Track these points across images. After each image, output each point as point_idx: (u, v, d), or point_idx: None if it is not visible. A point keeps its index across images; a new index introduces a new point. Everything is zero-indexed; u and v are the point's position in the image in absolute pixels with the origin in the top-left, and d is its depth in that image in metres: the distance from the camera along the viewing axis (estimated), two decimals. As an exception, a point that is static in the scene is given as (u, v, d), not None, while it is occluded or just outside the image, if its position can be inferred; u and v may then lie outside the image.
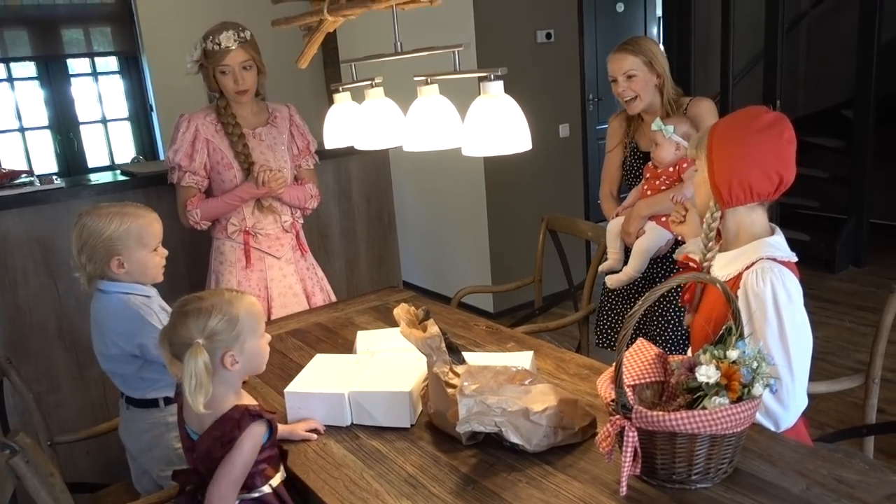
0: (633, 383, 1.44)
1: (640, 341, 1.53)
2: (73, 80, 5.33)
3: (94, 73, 5.45)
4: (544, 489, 1.37)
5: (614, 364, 1.28)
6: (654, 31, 6.70)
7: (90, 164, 5.44)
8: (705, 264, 1.61)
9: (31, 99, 5.20)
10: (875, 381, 1.95)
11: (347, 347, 2.14)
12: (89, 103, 5.42)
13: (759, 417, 1.49)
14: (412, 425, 1.67)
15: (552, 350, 2.04)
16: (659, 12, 6.44)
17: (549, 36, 4.57)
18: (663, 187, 2.32)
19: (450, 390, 1.53)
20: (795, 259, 1.53)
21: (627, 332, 1.24)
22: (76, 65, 5.36)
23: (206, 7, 5.03)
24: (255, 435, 1.41)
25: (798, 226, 5.21)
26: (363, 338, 2.09)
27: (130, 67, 5.44)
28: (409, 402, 1.65)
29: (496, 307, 4.67)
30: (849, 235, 4.95)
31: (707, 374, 1.27)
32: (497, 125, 1.51)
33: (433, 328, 1.59)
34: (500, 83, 1.52)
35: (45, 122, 5.25)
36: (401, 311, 1.65)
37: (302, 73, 3.17)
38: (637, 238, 2.38)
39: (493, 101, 1.52)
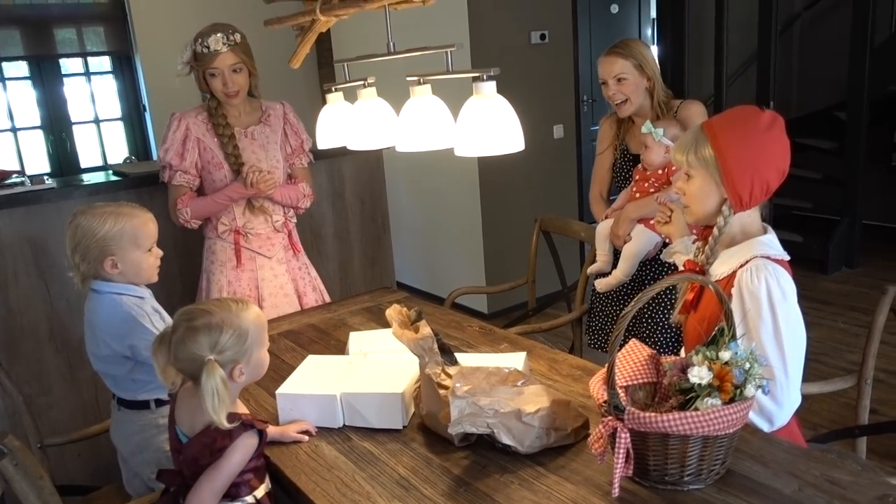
0: (625, 384, 1.43)
1: (633, 342, 1.53)
2: (65, 79, 5.31)
3: (87, 73, 5.42)
4: (536, 491, 1.37)
5: (607, 365, 1.28)
6: (648, 32, 6.72)
7: (83, 165, 5.42)
8: (706, 267, 1.60)
9: (24, 99, 5.18)
10: (867, 381, 1.95)
11: (340, 348, 2.14)
12: (82, 103, 5.40)
13: (753, 416, 1.49)
14: (404, 427, 1.66)
15: (545, 351, 2.04)
16: (653, 13, 6.45)
17: (543, 37, 4.58)
18: (652, 190, 2.32)
19: (442, 391, 1.53)
20: (788, 258, 1.53)
21: (619, 333, 1.23)
22: (69, 64, 5.34)
23: (199, 7, 5.02)
24: (245, 446, 1.40)
25: (791, 227, 5.23)
26: (356, 339, 2.08)
27: (123, 67, 5.42)
28: (401, 404, 1.64)
29: (490, 308, 4.67)
30: (842, 236, 4.97)
31: (699, 375, 1.27)
32: (489, 126, 1.50)
33: (425, 329, 1.59)
34: (493, 83, 1.51)
35: (38, 122, 5.22)
36: (393, 312, 1.65)
37: (296, 74, 3.17)
38: (626, 241, 2.38)
39: (485, 102, 1.51)
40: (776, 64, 4.81)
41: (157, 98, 5.20)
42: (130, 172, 2.99)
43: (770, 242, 1.53)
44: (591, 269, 2.58)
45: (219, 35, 2.33)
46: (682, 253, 1.79)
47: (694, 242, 1.72)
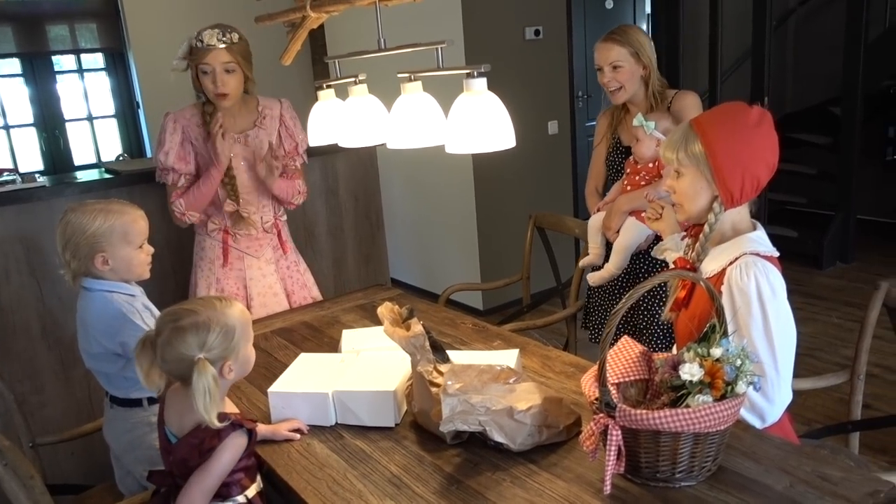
0: (617, 381, 1.43)
1: (625, 339, 1.53)
2: (58, 76, 5.28)
3: (80, 70, 5.40)
4: (528, 488, 1.37)
5: (598, 362, 1.28)
6: (643, 27, 6.71)
7: (76, 162, 5.40)
8: (697, 264, 1.60)
9: (16, 96, 5.16)
10: (860, 377, 1.95)
11: (333, 346, 2.13)
12: (75, 100, 5.37)
13: (745, 413, 1.49)
14: (396, 425, 1.66)
15: (538, 348, 2.04)
16: (648, 9, 6.44)
17: (537, 32, 4.57)
18: (643, 183, 2.32)
19: (434, 389, 1.52)
20: (777, 254, 1.53)
21: (611, 330, 1.23)
22: (62, 61, 5.31)
23: (191, 3, 5.00)
24: (234, 446, 1.39)
25: (786, 222, 5.23)
26: (348, 336, 2.08)
27: (117, 64, 5.39)
28: (393, 402, 1.64)
29: (485, 304, 4.67)
30: (836, 231, 4.98)
31: (690, 372, 1.26)
32: (480, 122, 1.50)
33: (417, 327, 1.59)
34: (484, 80, 1.51)
35: (31, 120, 5.20)
36: (385, 309, 1.64)
37: (289, 71, 3.15)
38: (618, 234, 2.38)
39: (476, 98, 1.50)
40: (771, 59, 4.81)
41: (151, 95, 5.18)
42: (123, 170, 2.98)
43: (759, 239, 1.53)
44: (584, 261, 2.58)
45: (215, 31, 2.31)
46: (672, 250, 1.78)
47: (683, 239, 1.72)
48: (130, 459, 1.94)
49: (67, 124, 5.33)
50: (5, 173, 2.77)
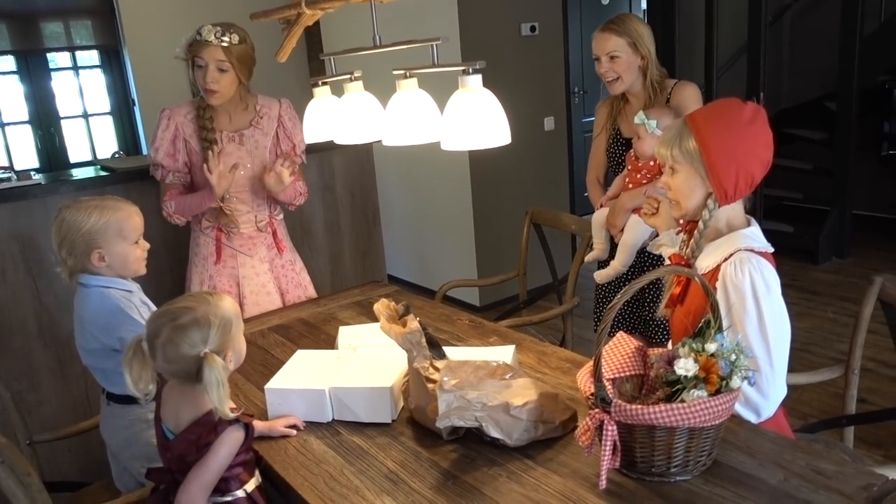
0: (612, 377, 1.44)
1: (620, 335, 1.54)
2: (53, 74, 5.28)
3: (75, 67, 5.39)
4: (524, 483, 1.37)
5: (594, 358, 1.28)
6: (640, 22, 6.70)
7: (72, 160, 5.39)
8: (692, 260, 1.61)
9: (11, 93, 5.15)
10: (854, 371, 1.96)
11: (330, 343, 2.13)
12: (70, 98, 5.37)
13: (740, 408, 1.50)
14: (393, 421, 1.66)
15: (535, 344, 2.04)
16: (644, 4, 6.45)
17: (533, 29, 4.57)
18: (644, 181, 2.32)
19: (430, 385, 1.53)
20: (772, 250, 1.54)
21: (606, 326, 1.24)
22: (57, 58, 5.30)
23: (186, 0, 4.99)
24: (231, 440, 1.40)
25: (782, 217, 5.24)
26: (345, 333, 2.08)
27: (112, 61, 5.39)
28: (389, 398, 1.64)
29: (482, 301, 4.67)
30: (832, 227, 4.99)
31: (685, 367, 1.27)
32: (475, 119, 1.50)
33: (413, 323, 1.59)
34: (479, 77, 1.51)
35: (26, 117, 5.20)
36: (381, 306, 1.65)
37: (285, 68, 3.15)
38: (622, 230, 2.38)
39: (471, 95, 1.51)
40: (766, 55, 4.82)
41: (146, 92, 5.17)
42: (118, 168, 2.98)
43: (753, 235, 1.54)
44: (589, 256, 2.59)
45: (217, 28, 2.29)
46: (668, 246, 1.79)
47: (678, 235, 1.72)
48: (127, 456, 1.94)
49: (63, 122, 5.33)
50: (1, 171, 2.76)
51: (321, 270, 3.38)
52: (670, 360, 1.31)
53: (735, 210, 1.57)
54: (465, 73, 1.50)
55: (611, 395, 1.28)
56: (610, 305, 1.23)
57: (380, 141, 1.79)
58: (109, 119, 5.50)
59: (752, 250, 1.50)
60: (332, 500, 1.39)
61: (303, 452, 1.57)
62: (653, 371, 1.41)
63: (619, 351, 1.48)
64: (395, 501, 1.36)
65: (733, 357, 1.27)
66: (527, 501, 1.31)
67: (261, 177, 2.48)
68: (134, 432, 1.91)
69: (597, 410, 1.28)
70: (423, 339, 1.59)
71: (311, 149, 2.70)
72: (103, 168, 3.08)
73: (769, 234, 1.58)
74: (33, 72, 5.17)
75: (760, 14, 4.73)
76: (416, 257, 5.20)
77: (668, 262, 1.69)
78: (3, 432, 1.47)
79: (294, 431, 1.65)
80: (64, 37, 5.20)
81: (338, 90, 1.99)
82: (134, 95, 5.31)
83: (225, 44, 2.30)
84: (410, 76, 1.64)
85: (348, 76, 1.89)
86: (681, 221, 1.69)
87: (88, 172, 3.14)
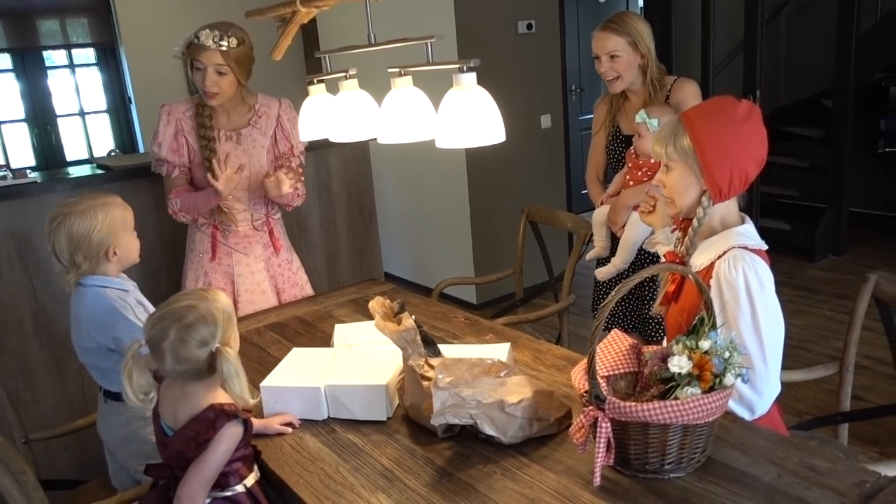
0: (607, 374, 1.44)
1: (615, 332, 1.54)
2: (49, 71, 5.27)
3: (72, 65, 5.38)
4: (519, 480, 1.38)
5: (588, 355, 1.28)
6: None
7: (68, 158, 5.38)
8: (687, 258, 1.61)
9: (7, 91, 5.13)
10: (849, 368, 1.97)
11: (325, 341, 2.14)
12: (66, 96, 5.36)
13: (734, 405, 1.50)
14: (388, 418, 1.67)
15: (530, 341, 2.05)
16: (640, 2, 6.44)
17: (530, 26, 4.56)
18: (645, 178, 2.32)
19: (425, 383, 1.53)
20: (766, 247, 1.54)
21: (599, 323, 1.24)
22: (53, 56, 5.29)
23: (184, -2, 4.98)
24: (230, 436, 1.40)
25: (778, 215, 5.25)
26: (341, 331, 2.08)
27: (108, 59, 5.38)
28: (385, 396, 1.65)
29: (479, 298, 4.68)
30: (828, 224, 5.00)
31: (679, 364, 1.27)
32: (470, 117, 1.50)
33: (408, 321, 1.59)
34: (473, 75, 1.51)
35: (22, 115, 5.18)
36: (376, 304, 1.65)
37: (282, 66, 3.15)
38: (623, 227, 2.38)
39: (465, 93, 1.51)
40: (763, 52, 4.82)
41: (143, 90, 5.17)
42: (114, 166, 2.97)
43: (747, 232, 1.54)
44: (590, 255, 2.60)
45: (215, 32, 2.28)
46: (663, 244, 1.79)
47: (673, 231, 1.73)
48: (124, 453, 1.94)
49: (59, 120, 5.32)
50: (-4, 169, 2.76)
51: (317, 268, 3.38)
52: (664, 358, 1.31)
53: (729, 207, 1.58)
54: (459, 70, 1.50)
55: (605, 393, 1.29)
56: (603, 304, 1.23)
57: (375, 139, 1.79)
58: (106, 117, 5.49)
59: (746, 248, 1.50)
60: (327, 497, 1.39)
61: (298, 450, 1.58)
62: (647, 368, 1.41)
63: (614, 348, 1.49)
64: (389, 499, 1.37)
65: (727, 354, 1.27)
66: (521, 498, 1.32)
67: (258, 176, 2.48)
68: (131, 430, 1.92)
69: (591, 408, 1.29)
70: (418, 337, 1.59)
71: (307, 147, 2.70)
72: (99, 166, 3.07)
73: (766, 232, 1.59)
74: (29, 69, 5.16)
75: (757, 11, 4.74)
76: (412, 255, 5.20)
77: (663, 259, 1.70)
78: (-2, 431, 1.48)
79: (290, 429, 1.65)
80: (60, 34, 5.19)
81: (333, 88, 1.99)
82: (130, 93, 5.31)
83: (223, 48, 2.30)
84: (405, 74, 1.64)
85: (343, 74, 1.89)
86: (677, 219, 1.69)
87: (85, 170, 3.13)
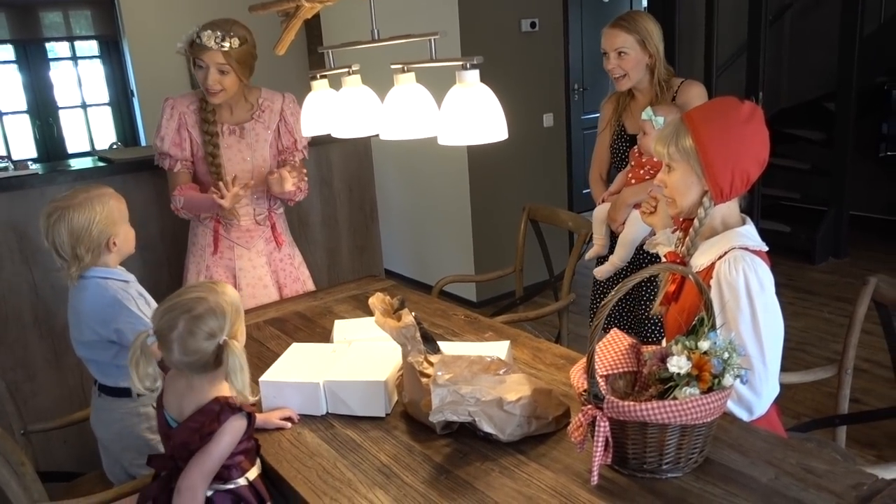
0: (606, 373, 1.44)
1: (614, 332, 1.54)
2: (52, 64, 5.27)
3: (74, 57, 5.38)
4: (517, 478, 1.38)
5: (587, 354, 1.28)
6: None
7: (70, 150, 5.39)
8: (687, 258, 1.61)
9: (10, 83, 5.13)
10: (847, 371, 1.97)
11: (325, 336, 2.14)
12: (69, 88, 5.35)
13: (732, 406, 1.50)
14: (387, 415, 1.67)
15: (529, 340, 2.05)
16: (644, 2, 6.44)
17: (533, 25, 4.56)
18: (647, 177, 2.32)
19: (424, 380, 1.53)
20: (766, 248, 1.54)
21: (599, 322, 1.24)
22: (55, 48, 5.29)
23: (187, -9, 4.98)
24: (234, 429, 1.41)
25: (779, 217, 5.25)
26: (340, 327, 2.09)
27: (111, 52, 5.38)
28: (383, 392, 1.65)
29: (479, 296, 4.68)
30: (829, 227, 5.00)
31: (678, 364, 1.28)
32: (472, 114, 1.50)
33: (407, 317, 1.59)
34: (476, 72, 1.51)
35: (24, 107, 5.18)
36: (376, 300, 1.65)
37: (285, 61, 3.14)
38: (622, 226, 2.38)
39: (468, 90, 1.51)
40: (766, 54, 4.81)
41: (146, 83, 5.16)
42: (116, 158, 2.97)
43: (748, 233, 1.54)
44: (589, 253, 2.60)
45: (217, 33, 2.28)
46: (664, 244, 1.79)
47: (674, 232, 1.73)
48: (118, 449, 1.94)
49: (61, 112, 5.32)
50: (-2, 161, 2.76)
51: (318, 264, 3.38)
52: (663, 358, 1.31)
53: (730, 208, 1.58)
54: (462, 67, 1.50)
55: (603, 392, 1.29)
56: (603, 303, 1.24)
57: (377, 135, 1.79)
58: (108, 109, 5.49)
59: (746, 248, 1.50)
60: (325, 492, 1.40)
61: (296, 445, 1.58)
62: (646, 368, 1.41)
63: (613, 348, 1.49)
64: (387, 495, 1.37)
65: (726, 355, 1.27)
66: (519, 496, 1.32)
67: (261, 171, 2.48)
68: (125, 426, 1.92)
69: (589, 406, 1.29)
70: (418, 334, 1.59)
71: (309, 142, 2.70)
72: (101, 159, 3.07)
73: (766, 234, 1.59)
74: (32, 61, 5.16)
75: (761, 13, 4.73)
76: (413, 252, 5.20)
77: (664, 259, 1.70)
78: (-4, 422, 1.48)
79: (289, 424, 1.65)
80: (63, 27, 5.19)
81: (336, 84, 1.98)
82: (133, 86, 5.30)
83: (225, 48, 2.30)
84: (408, 70, 1.64)
85: (346, 70, 1.89)
86: (678, 220, 1.69)
87: (86, 163, 3.13)
